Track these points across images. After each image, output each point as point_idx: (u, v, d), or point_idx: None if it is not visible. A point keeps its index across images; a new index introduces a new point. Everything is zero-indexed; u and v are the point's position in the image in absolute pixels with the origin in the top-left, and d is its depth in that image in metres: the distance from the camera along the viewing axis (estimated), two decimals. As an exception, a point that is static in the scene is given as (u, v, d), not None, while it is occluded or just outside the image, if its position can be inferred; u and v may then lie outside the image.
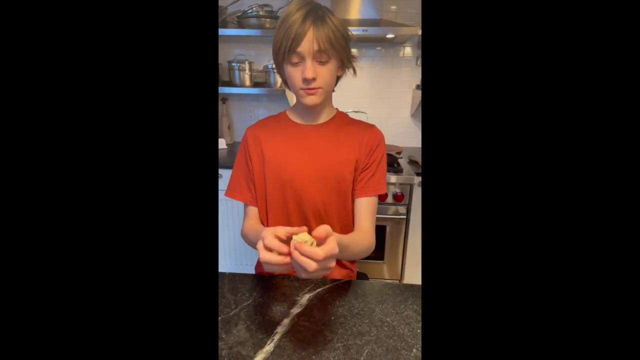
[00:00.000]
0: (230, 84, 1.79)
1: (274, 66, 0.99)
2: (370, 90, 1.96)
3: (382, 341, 0.55)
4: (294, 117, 0.81)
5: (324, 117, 0.79)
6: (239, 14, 1.67)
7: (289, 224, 0.73)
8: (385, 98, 1.96)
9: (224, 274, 0.73)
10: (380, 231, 1.54)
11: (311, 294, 0.67)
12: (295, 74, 0.68)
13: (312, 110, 0.77)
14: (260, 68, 1.85)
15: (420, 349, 0.54)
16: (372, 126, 0.81)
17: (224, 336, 0.56)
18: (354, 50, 1.90)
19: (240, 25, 1.69)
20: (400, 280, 1.62)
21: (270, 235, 0.49)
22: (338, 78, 0.75)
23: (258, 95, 2.00)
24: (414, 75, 1.91)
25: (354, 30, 1.52)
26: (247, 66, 1.75)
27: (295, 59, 0.66)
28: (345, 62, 0.72)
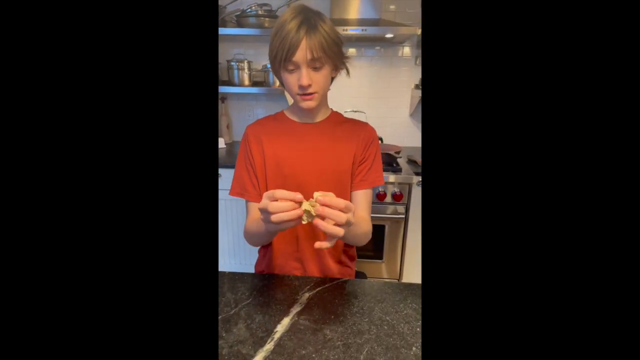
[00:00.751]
0: (229, 83, 1.79)
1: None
2: (369, 90, 1.96)
3: (381, 339, 0.56)
4: (291, 116, 0.83)
5: (320, 116, 0.82)
6: (238, 13, 1.66)
7: None
8: (384, 98, 1.97)
9: (224, 273, 0.73)
10: (379, 231, 1.54)
11: (311, 293, 0.67)
12: (291, 80, 0.70)
13: (309, 111, 0.80)
14: (259, 67, 1.85)
15: (419, 347, 0.54)
16: (365, 123, 0.85)
17: (224, 335, 0.56)
18: (351, 50, 1.90)
19: (239, 24, 1.69)
20: (399, 280, 1.62)
21: (275, 190, 0.52)
22: (332, 78, 0.78)
23: (257, 95, 2.00)
24: (412, 75, 1.92)
25: (353, 30, 1.52)
26: (246, 65, 1.75)
27: (291, 67, 0.69)
28: (338, 65, 0.75)
